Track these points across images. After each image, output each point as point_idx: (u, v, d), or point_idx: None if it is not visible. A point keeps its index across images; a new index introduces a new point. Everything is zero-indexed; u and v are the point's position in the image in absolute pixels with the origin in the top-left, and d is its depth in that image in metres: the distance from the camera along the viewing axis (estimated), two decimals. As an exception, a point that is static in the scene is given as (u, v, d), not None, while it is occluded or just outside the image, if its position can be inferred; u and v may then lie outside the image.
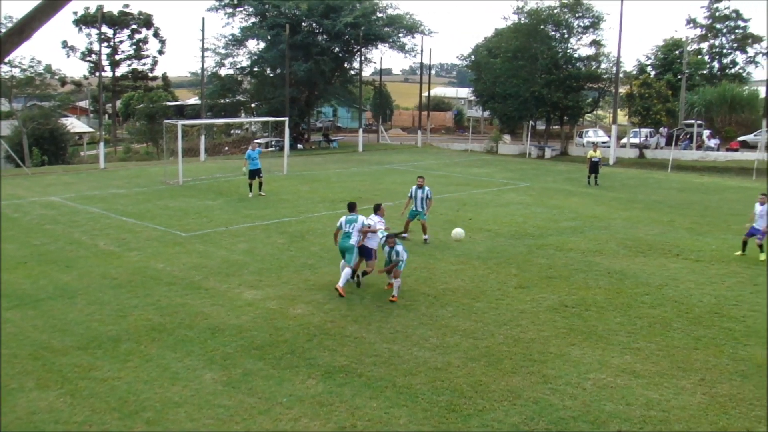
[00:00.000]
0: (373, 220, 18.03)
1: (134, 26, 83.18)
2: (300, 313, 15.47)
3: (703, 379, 12.40)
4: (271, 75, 67.30)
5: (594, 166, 39.32)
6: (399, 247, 16.85)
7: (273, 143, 57.68)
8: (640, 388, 11.97)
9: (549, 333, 14.58)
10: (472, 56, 71.19)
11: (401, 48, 69.49)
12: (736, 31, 78.34)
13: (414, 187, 23.30)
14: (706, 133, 62.41)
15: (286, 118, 47.29)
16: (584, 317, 15.48)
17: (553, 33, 63.04)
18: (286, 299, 16.44)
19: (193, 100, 79.63)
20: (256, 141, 38.13)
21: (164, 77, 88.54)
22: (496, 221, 26.56)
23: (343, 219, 17.44)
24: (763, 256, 21.19)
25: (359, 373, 12.29)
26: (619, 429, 10.47)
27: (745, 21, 78.14)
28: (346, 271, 16.95)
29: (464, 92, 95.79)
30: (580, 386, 11.97)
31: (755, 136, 60.45)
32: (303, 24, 63.73)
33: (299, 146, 62.48)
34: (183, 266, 19.27)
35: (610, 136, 58.61)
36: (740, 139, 62.34)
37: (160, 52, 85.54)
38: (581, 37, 63.91)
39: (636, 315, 15.90)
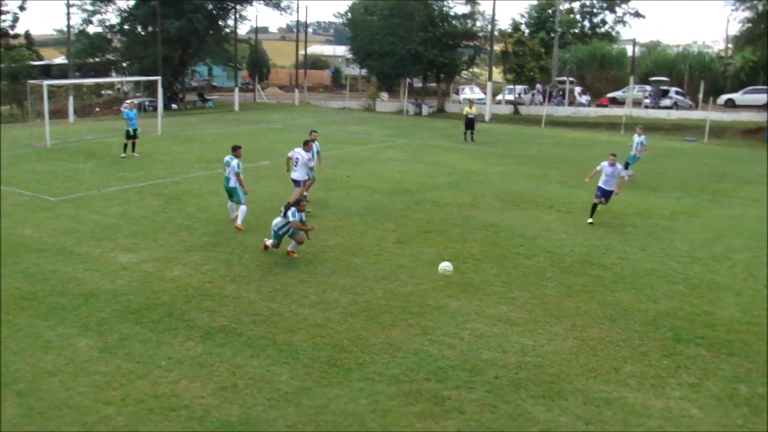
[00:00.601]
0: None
1: (-10, -20, 78.74)
2: (177, 275, 15.22)
3: (575, 325, 12.91)
4: (143, 33, 65.11)
5: (470, 123, 39.97)
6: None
7: (146, 103, 56.11)
8: (515, 335, 12.36)
9: (427, 286, 14.83)
10: (349, 14, 70.87)
11: (277, 5, 68.54)
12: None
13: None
14: (577, 89, 64.32)
15: (159, 78, 45.94)
16: (461, 270, 15.80)
17: (429, -10, 63.44)
18: (162, 262, 16.12)
19: (60, 60, 76.27)
20: (132, 101, 37.10)
21: (27, 35, 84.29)
22: (374, 178, 26.72)
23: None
24: (590, 220, 20.53)
25: (239, 332, 12.22)
26: (496, 375, 10.80)
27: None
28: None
29: (341, 50, 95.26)
30: (458, 336, 12.26)
31: (623, 92, 62.71)
32: (174, -21, 61.92)
33: (173, 106, 60.89)
34: (53, 232, 18.58)
35: (485, 93, 59.59)
36: (609, 95, 64.50)
37: (21, 8, 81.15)
38: (457, -5, 64.62)
39: (511, 266, 16.36)
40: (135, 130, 31.38)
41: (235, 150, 19.22)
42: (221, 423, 9.42)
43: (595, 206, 20.69)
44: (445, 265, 14.75)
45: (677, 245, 18.38)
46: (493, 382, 10.64)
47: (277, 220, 16.43)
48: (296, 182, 20.72)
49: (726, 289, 15.19)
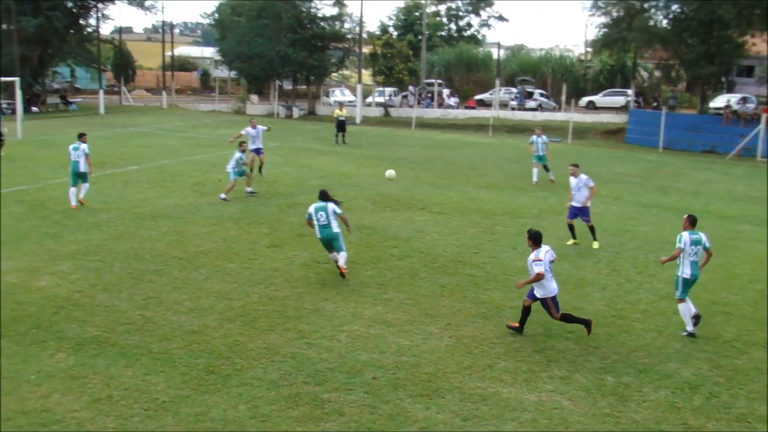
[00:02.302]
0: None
1: None
2: (44, 285, 14.68)
3: (449, 324, 13.19)
4: (-3, 31, 62.27)
5: (341, 125, 40.17)
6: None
7: (4, 106, 53.72)
8: (391, 336, 12.53)
9: (303, 289, 14.85)
10: (216, 14, 69.98)
11: (140, 4, 66.76)
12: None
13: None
14: (446, 92, 65.53)
15: (17, 79, 44.11)
16: (336, 272, 15.86)
17: (296, -8, 63.39)
18: (28, 272, 15.50)
19: None
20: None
21: None
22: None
23: (312, 208, 15.82)
24: (596, 245, 19.00)
25: (112, 342, 11.91)
26: (374, 376, 10.92)
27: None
28: (343, 255, 15.54)
29: (210, 52, 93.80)
30: (336, 338, 12.33)
31: (490, 94, 64.38)
32: (30, -24, 59.46)
33: (34, 109, 58.34)
34: None
35: (356, 95, 59.97)
36: (477, 97, 66.09)
37: None
38: (325, -3, 64.84)
39: (386, 267, 16.56)
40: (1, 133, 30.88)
41: (82, 137, 22.15)
42: (96, 436, 9.17)
43: (571, 227, 19.18)
44: (390, 172, 15.29)
45: (545, 243, 18.95)
46: (371, 383, 10.76)
47: None
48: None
49: (592, 284, 15.86)
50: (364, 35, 62.67)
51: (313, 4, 64.56)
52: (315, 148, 37.51)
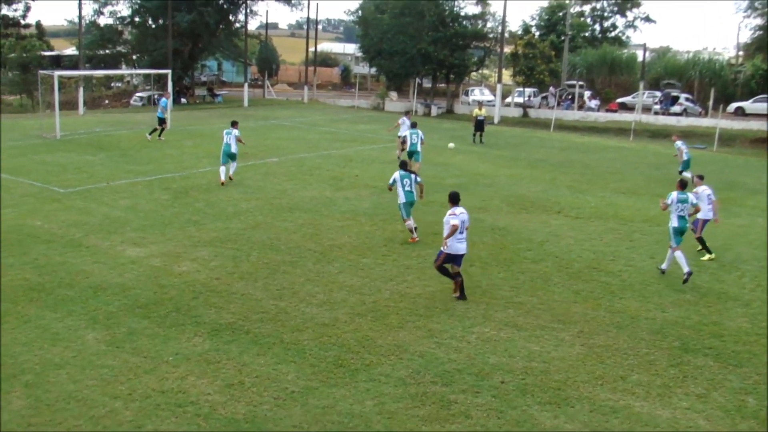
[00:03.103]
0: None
1: (3, -31, 78.76)
2: (185, 270, 15.25)
3: (582, 331, 12.89)
4: (153, 26, 65.03)
5: (479, 125, 39.95)
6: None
7: (156, 96, 56.16)
8: (522, 340, 12.36)
9: (434, 288, 14.83)
10: (360, 12, 70.81)
11: (287, 1, 68.44)
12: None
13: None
14: (587, 94, 64.10)
15: (169, 71, 46.05)
16: (469, 273, 15.77)
17: (440, -10, 63.40)
18: (170, 256, 16.15)
19: (71, 51, 76.16)
20: (160, 93, 38.66)
21: (38, 25, 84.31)
22: (383, 178, 26.54)
23: (398, 175, 18.37)
24: (706, 257, 18.22)
25: (246, 330, 12.24)
26: (503, 380, 10.79)
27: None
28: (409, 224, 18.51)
29: (351, 48, 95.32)
30: (465, 339, 12.26)
31: (633, 98, 62.42)
32: (186, -27, 61.90)
33: (183, 100, 60.86)
34: (62, 223, 18.64)
35: (495, 95, 59.52)
36: (619, 100, 64.27)
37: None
38: (468, -5, 64.60)
39: (518, 270, 16.35)
40: (163, 119, 35.18)
41: (234, 124, 25.36)
42: (227, 421, 9.43)
43: (701, 240, 18.43)
44: (451, 144, 15.96)
45: (685, 253, 18.31)
46: (499, 386, 10.64)
47: None
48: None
49: (734, 299, 15.15)
50: (506, 35, 62.02)
51: (456, 3, 64.47)
52: (447, 148, 37.42)
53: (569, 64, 68.51)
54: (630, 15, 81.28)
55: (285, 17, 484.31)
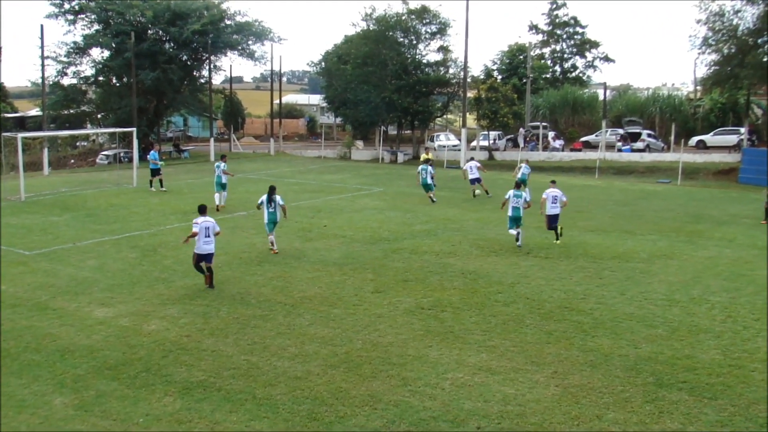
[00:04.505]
0: None
1: (-36, 34, 78.62)
2: (154, 329, 15.05)
3: (556, 372, 12.85)
4: (117, 84, 65.09)
5: None
6: None
7: (121, 155, 55.95)
8: (496, 384, 12.29)
9: (407, 336, 14.76)
10: (323, 63, 71.40)
11: (251, 56, 68.77)
12: (575, 36, 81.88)
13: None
14: (551, 134, 64.83)
15: (134, 129, 45.92)
16: (441, 318, 15.76)
17: (401, 39, 64.25)
18: (139, 315, 15.96)
19: (35, 112, 75.91)
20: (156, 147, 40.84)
21: (1, 87, 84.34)
22: (351, 227, 26.69)
23: (264, 197, 22.03)
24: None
25: (218, 387, 12.07)
26: (479, 426, 10.70)
27: (583, 27, 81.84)
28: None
29: (316, 99, 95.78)
30: (439, 386, 12.17)
31: (596, 136, 63.27)
32: (149, 32, 62.01)
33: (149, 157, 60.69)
34: (28, 286, 18.38)
35: (460, 140, 59.99)
36: (583, 139, 65.01)
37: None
38: (429, 43, 65.57)
39: (490, 313, 16.32)
40: (157, 169, 37.87)
41: (223, 157, 32.13)
42: (201, 481, 9.24)
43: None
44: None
45: (655, 288, 18.44)
46: (476, 432, 10.55)
47: None
48: None
49: (706, 331, 15.21)
50: (469, 80, 62.72)
51: (418, 51, 65.23)
52: (419, 192, 37.49)
53: (532, 106, 69.28)
54: (589, 55, 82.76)
55: (249, 71, 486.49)
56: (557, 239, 24.24)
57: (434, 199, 33.09)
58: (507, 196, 23.50)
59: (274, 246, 22.34)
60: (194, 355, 13.59)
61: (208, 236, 17.85)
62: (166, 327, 15.21)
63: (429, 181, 33.64)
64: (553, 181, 26.21)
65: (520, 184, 24.62)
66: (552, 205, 24.29)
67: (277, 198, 22.13)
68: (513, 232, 23.52)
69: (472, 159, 38.66)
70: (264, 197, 22.11)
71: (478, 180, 35.88)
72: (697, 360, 13.46)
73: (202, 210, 18.61)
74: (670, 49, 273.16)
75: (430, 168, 33.94)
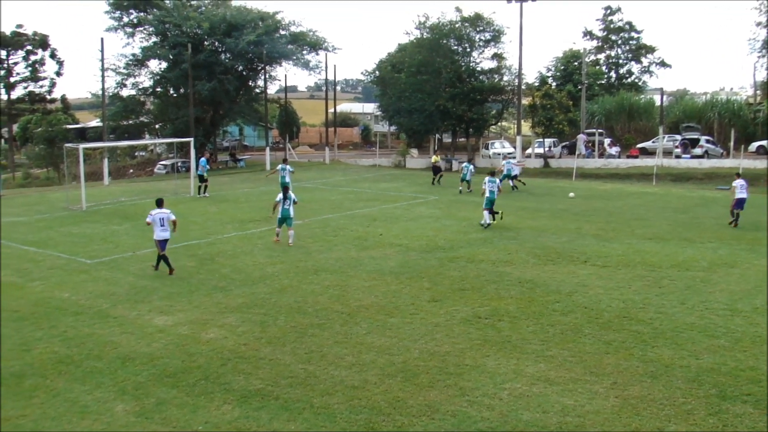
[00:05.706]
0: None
1: (29, 47, 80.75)
2: (213, 338, 15.21)
3: (615, 383, 12.66)
4: (175, 95, 66.39)
5: (437, 170, 44.76)
6: None
7: (179, 164, 56.81)
8: (555, 395, 12.15)
9: (464, 345, 14.68)
10: (377, 72, 71.70)
11: (305, 65, 69.49)
12: (630, 41, 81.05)
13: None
14: (607, 141, 64.10)
15: (191, 139, 46.64)
16: (498, 327, 15.65)
17: (455, 47, 64.12)
18: (197, 324, 16.14)
19: (95, 123, 77.57)
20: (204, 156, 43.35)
21: (63, 99, 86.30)
22: (407, 235, 26.68)
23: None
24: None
25: (275, 395, 12.13)
26: (536, 437, 10.60)
27: (638, 32, 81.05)
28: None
29: (370, 107, 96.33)
30: (497, 396, 12.08)
31: (653, 142, 62.37)
32: (205, 43, 63.16)
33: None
34: (89, 294, 18.73)
35: (515, 147, 59.67)
36: (639, 146, 64.20)
37: (58, 73, 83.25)
38: (483, 51, 65.35)
39: (548, 323, 16.16)
40: (202, 176, 40.25)
41: (285, 161, 37.84)
42: (260, 490, 9.29)
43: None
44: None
45: (717, 298, 18.08)
46: (534, 443, 10.44)
47: None
48: None
49: (770, 343, 14.87)
50: (523, 87, 62.41)
51: (472, 59, 65.09)
52: (475, 200, 37.36)
53: (587, 113, 68.60)
54: (645, 61, 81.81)
55: (304, 80, 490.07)
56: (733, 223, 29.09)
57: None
58: (483, 183, 29.43)
59: (278, 237, 25.41)
60: (252, 363, 13.69)
61: (163, 225, 21.02)
62: (225, 335, 15.36)
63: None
64: (738, 174, 31.32)
65: (494, 172, 32.37)
66: (740, 191, 29.27)
67: (292, 195, 25.39)
68: (486, 215, 28.64)
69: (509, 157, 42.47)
70: (280, 195, 25.08)
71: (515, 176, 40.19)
72: (762, 372, 13.15)
73: (158, 203, 21.62)
74: (729, 53, 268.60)
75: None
